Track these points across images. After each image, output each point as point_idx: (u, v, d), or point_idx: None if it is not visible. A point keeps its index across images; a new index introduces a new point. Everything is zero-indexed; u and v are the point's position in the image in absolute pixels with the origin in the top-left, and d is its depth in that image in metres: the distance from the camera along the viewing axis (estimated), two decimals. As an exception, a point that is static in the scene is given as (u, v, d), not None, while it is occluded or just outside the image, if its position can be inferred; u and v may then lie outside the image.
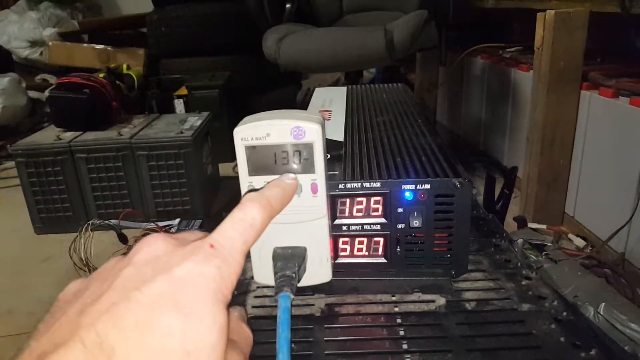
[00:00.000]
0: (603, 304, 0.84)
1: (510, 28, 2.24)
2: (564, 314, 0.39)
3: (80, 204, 1.48)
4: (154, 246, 0.22)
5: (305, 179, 0.35)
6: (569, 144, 1.42)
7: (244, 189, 0.35)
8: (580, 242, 1.39)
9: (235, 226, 0.24)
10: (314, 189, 0.35)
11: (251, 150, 0.35)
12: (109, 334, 0.17)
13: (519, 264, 0.46)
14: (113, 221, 1.08)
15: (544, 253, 1.00)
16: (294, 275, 0.34)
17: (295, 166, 0.35)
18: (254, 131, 0.34)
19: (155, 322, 0.18)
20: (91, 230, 1.02)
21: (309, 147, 0.34)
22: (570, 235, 1.43)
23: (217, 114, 1.86)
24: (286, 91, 2.33)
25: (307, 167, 0.34)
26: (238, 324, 0.25)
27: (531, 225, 1.45)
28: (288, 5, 1.82)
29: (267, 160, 0.34)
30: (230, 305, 0.21)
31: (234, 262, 0.22)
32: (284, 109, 0.41)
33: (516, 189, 1.44)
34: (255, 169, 0.35)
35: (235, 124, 0.35)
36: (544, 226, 1.47)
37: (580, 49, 1.30)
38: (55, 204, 1.48)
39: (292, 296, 0.33)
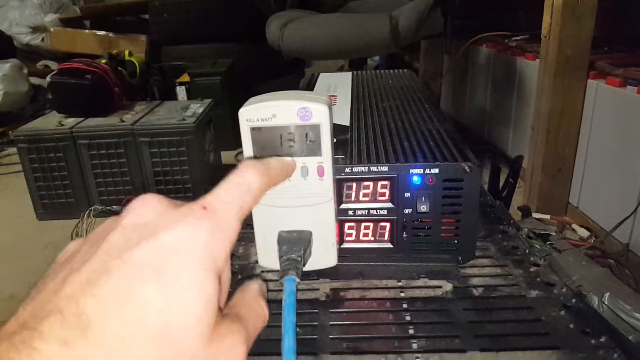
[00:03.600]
0: (607, 293, 0.84)
1: (516, 17, 2.21)
2: (573, 300, 0.38)
3: (82, 190, 1.48)
4: (144, 207, 0.21)
5: (311, 162, 0.34)
6: (575, 134, 1.40)
7: (248, 172, 0.35)
8: (584, 233, 1.39)
9: (231, 190, 0.22)
10: (321, 171, 0.34)
11: (256, 131, 0.34)
12: (88, 304, 0.17)
13: (526, 251, 0.46)
14: (115, 207, 1.08)
15: (548, 242, 0.99)
16: (299, 258, 0.33)
17: (301, 148, 0.34)
18: (260, 112, 0.33)
19: (134, 292, 0.17)
20: (93, 216, 1.01)
21: (316, 128, 0.33)
22: (574, 226, 1.43)
23: (220, 101, 1.85)
24: (289, 79, 2.31)
25: (314, 149, 0.33)
26: (255, 299, 0.24)
27: (535, 215, 1.44)
28: (292, -9, 1.80)
29: (272, 142, 0.33)
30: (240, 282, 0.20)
31: (228, 227, 0.20)
32: (290, 90, 0.40)
33: (520, 179, 1.44)
34: (261, 151, 0.34)
35: (237, 112, 0.34)
36: (547, 216, 1.47)
37: (588, 37, 1.29)
38: (57, 190, 1.48)
39: (297, 279, 0.32)
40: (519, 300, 0.38)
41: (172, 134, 1.45)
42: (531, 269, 0.43)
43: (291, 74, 2.39)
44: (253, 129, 0.34)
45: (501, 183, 1.14)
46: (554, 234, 1.08)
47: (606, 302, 0.88)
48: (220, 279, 0.20)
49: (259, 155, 0.34)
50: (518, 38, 1.82)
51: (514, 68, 1.75)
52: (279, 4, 1.75)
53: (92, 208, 1.03)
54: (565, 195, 1.49)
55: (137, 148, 1.45)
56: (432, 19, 1.58)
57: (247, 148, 0.34)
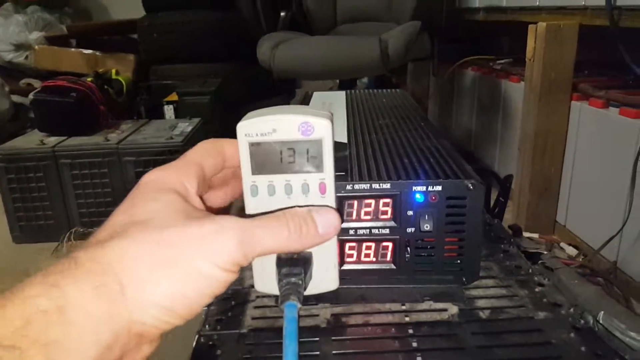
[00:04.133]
0: (602, 312, 0.83)
1: (499, 42, 2.26)
2: (582, 322, 0.37)
3: (62, 211, 1.43)
4: None
5: (313, 179, 0.32)
6: (560, 154, 1.42)
7: (246, 189, 0.33)
8: (572, 251, 1.39)
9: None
10: (323, 188, 0.33)
11: (255, 147, 0.32)
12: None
13: (530, 270, 0.44)
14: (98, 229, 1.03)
15: (540, 261, 0.99)
16: (300, 282, 0.32)
17: (302, 165, 0.32)
18: (259, 126, 0.32)
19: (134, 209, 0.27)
20: (74, 238, 0.97)
21: (318, 144, 0.32)
22: (562, 244, 1.43)
23: (208, 121, 1.83)
24: (279, 100, 2.31)
25: (315, 165, 0.32)
26: (275, 217, 0.28)
27: (525, 234, 1.45)
28: (282, 14, 1.81)
29: (272, 158, 0.32)
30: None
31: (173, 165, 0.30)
32: (289, 105, 0.39)
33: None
34: (259, 168, 0.32)
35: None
36: (536, 235, 1.47)
37: (571, 60, 1.32)
38: (36, 211, 1.43)
39: (299, 305, 0.30)
40: (527, 322, 0.37)
41: (159, 153, 1.42)
42: (536, 289, 0.41)
43: (281, 94, 2.39)
44: (252, 144, 0.32)
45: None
46: (545, 252, 1.08)
47: (601, 321, 0.87)
48: (183, 192, 0.28)
49: (258, 171, 0.33)
50: (502, 61, 1.86)
51: (499, 90, 1.78)
52: (270, 26, 1.76)
53: (74, 230, 0.99)
54: (553, 214, 1.50)
55: (122, 168, 1.42)
56: (420, 42, 1.60)
57: (245, 164, 0.32)
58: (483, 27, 2.07)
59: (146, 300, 0.22)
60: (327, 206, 0.31)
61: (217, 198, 0.33)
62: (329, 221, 0.28)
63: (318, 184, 0.33)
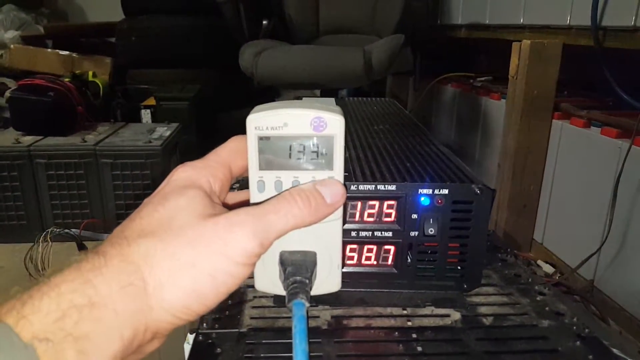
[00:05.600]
0: (587, 329, 0.84)
1: (477, 60, 2.31)
2: (586, 330, 0.37)
3: (36, 212, 1.38)
4: None
5: (321, 176, 0.31)
6: (540, 171, 1.45)
7: (253, 184, 0.32)
8: (549, 269, 1.41)
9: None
10: None
11: (265, 141, 0.31)
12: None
13: (529, 280, 0.44)
14: (74, 230, 0.99)
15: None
16: (307, 281, 0.31)
17: (311, 161, 0.31)
18: (270, 119, 0.31)
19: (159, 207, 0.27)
20: (50, 239, 0.93)
21: (329, 140, 0.31)
22: (539, 262, 1.45)
23: (186, 126, 1.80)
24: (260, 108, 2.28)
25: (325, 163, 0.31)
26: (285, 196, 0.28)
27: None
28: (265, 22, 1.81)
29: (281, 154, 0.31)
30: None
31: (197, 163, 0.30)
32: (297, 99, 0.38)
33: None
34: (268, 163, 0.31)
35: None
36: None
37: (554, 79, 1.35)
38: (9, 211, 1.37)
39: (307, 304, 0.29)
40: (531, 330, 0.36)
41: (136, 156, 1.38)
42: (538, 298, 0.41)
43: (260, 104, 2.37)
44: (261, 138, 0.31)
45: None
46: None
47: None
48: (208, 190, 0.28)
49: (266, 167, 0.31)
50: (482, 79, 1.89)
51: (479, 107, 1.81)
52: (253, 34, 1.75)
53: (49, 230, 0.95)
54: (530, 231, 1.52)
55: (98, 170, 1.38)
56: (403, 55, 1.62)
57: (253, 159, 0.31)
58: (463, 45, 2.11)
59: (166, 300, 0.23)
60: (331, 179, 0.31)
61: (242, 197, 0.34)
62: (334, 191, 0.29)
63: None
